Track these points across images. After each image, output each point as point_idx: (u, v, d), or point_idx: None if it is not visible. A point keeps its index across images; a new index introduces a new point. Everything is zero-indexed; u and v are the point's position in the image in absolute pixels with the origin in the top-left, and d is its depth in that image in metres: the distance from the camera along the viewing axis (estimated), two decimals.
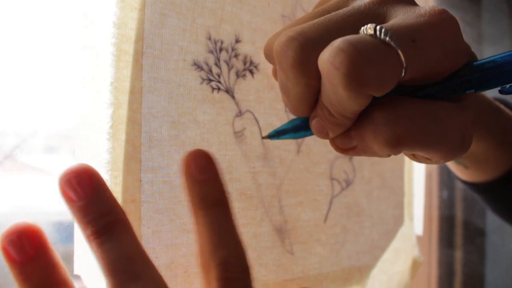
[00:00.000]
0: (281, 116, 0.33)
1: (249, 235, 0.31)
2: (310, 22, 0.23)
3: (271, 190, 0.32)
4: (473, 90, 0.23)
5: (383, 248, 0.41)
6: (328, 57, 0.20)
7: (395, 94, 0.23)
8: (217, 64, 0.29)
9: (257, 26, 0.32)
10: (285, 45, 0.22)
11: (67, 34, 0.29)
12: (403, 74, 0.21)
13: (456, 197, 0.74)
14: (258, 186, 0.32)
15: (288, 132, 0.27)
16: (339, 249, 0.37)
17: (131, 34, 0.26)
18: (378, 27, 0.20)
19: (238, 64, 0.31)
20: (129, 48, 0.26)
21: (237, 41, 0.31)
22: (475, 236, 0.75)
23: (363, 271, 0.39)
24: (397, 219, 0.43)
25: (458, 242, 0.74)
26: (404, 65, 0.21)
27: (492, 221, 0.74)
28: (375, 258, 0.40)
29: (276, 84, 0.33)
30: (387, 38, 0.20)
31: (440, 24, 0.22)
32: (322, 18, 0.23)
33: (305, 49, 0.22)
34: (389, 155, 0.23)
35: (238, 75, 0.31)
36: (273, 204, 0.33)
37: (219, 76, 0.29)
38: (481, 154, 0.37)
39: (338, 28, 0.22)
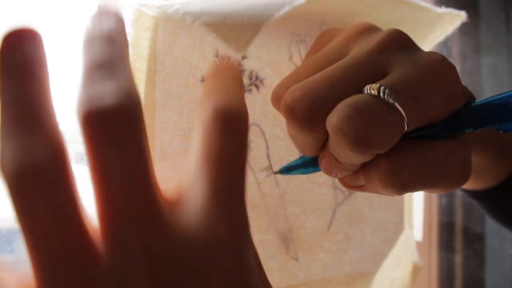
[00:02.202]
0: (285, 128, 0.34)
1: (255, 242, 0.32)
2: (315, 78, 0.24)
3: (275, 199, 0.34)
4: (471, 129, 0.24)
5: (384, 254, 0.42)
6: (336, 123, 0.22)
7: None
8: None
9: (263, 43, 0.33)
10: (293, 105, 0.23)
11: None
12: (405, 129, 0.22)
13: (455, 203, 0.75)
14: (263, 195, 0.33)
15: (298, 168, 0.29)
16: (341, 256, 0.38)
17: (144, 53, 0.27)
18: (381, 89, 0.22)
19: (244, 79, 0.32)
20: (143, 66, 0.27)
21: (243, 57, 0.32)
22: (474, 241, 0.76)
23: (365, 276, 0.40)
24: (398, 226, 0.45)
25: (458, 247, 0.75)
26: (407, 122, 0.22)
27: (491, 226, 0.75)
28: (377, 264, 0.41)
29: None
30: (391, 100, 0.22)
31: (440, 75, 0.23)
32: (325, 73, 0.24)
33: (312, 109, 0.23)
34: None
35: (244, 89, 0.32)
36: (278, 212, 0.34)
37: None
38: (479, 165, 0.38)
39: (342, 84, 0.23)
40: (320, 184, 0.37)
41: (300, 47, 0.36)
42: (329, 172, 0.26)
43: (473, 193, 0.42)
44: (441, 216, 0.74)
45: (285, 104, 0.24)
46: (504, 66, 0.72)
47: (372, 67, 0.24)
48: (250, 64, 0.32)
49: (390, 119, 0.22)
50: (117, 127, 0.15)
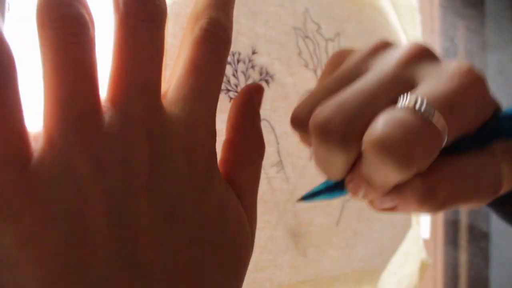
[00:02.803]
0: None
1: (265, 238, 0.32)
2: (344, 96, 0.23)
3: (285, 195, 0.34)
4: (504, 138, 0.24)
5: (392, 251, 0.42)
6: (376, 143, 0.21)
7: None
8: (235, 75, 0.31)
9: (272, 38, 0.33)
10: (325, 124, 0.22)
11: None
12: (444, 142, 0.22)
13: None
14: (273, 191, 0.33)
15: (322, 194, 0.27)
16: (350, 252, 0.38)
17: None
18: (419, 101, 0.21)
19: (254, 75, 0.32)
20: None
21: (253, 52, 0.32)
22: (480, 239, 0.76)
23: (373, 273, 0.40)
24: (405, 223, 0.44)
25: (463, 245, 0.75)
26: (446, 135, 0.21)
27: (497, 224, 0.75)
28: (385, 261, 0.41)
29: (290, 93, 0.34)
30: (430, 113, 0.21)
31: (472, 86, 0.22)
32: (354, 89, 0.23)
33: (347, 126, 0.22)
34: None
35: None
36: (288, 208, 0.34)
37: (236, 86, 0.31)
38: None
39: (373, 99, 0.23)
40: None
41: (307, 43, 0.36)
42: (358, 195, 0.25)
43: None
44: (447, 214, 0.74)
45: (315, 124, 0.23)
46: (511, 63, 0.72)
47: (400, 80, 0.23)
48: (260, 60, 0.32)
49: (431, 134, 0.21)
50: (149, 19, 0.20)
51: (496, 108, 0.24)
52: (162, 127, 0.20)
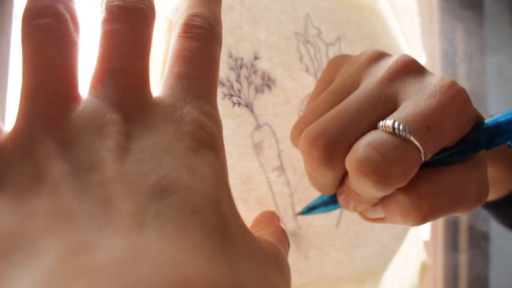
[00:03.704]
0: None
1: None
2: (329, 116, 0.25)
3: (285, 199, 0.34)
4: (483, 149, 0.25)
5: (393, 252, 0.42)
6: (356, 164, 0.22)
7: None
8: (237, 80, 0.31)
9: (273, 44, 0.34)
10: (310, 145, 0.24)
11: None
12: (423, 160, 0.23)
13: None
14: (273, 195, 0.33)
15: (319, 207, 0.29)
16: (352, 253, 0.38)
17: (160, 55, 0.28)
18: (396, 125, 0.23)
19: (257, 80, 0.32)
20: (158, 67, 0.27)
21: (256, 58, 0.32)
22: (480, 240, 0.76)
23: (376, 274, 0.40)
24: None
25: (463, 247, 0.75)
26: (423, 153, 0.23)
27: (496, 225, 0.75)
28: (387, 262, 0.42)
29: (291, 98, 0.35)
30: (406, 135, 0.22)
31: (451, 102, 0.23)
32: (339, 109, 0.25)
33: (329, 148, 0.24)
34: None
35: (257, 90, 0.32)
36: (287, 211, 0.34)
37: (239, 91, 0.31)
38: (490, 177, 0.38)
39: (356, 119, 0.24)
40: None
41: (308, 48, 0.37)
42: (348, 207, 0.27)
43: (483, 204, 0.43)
44: (447, 216, 0.74)
45: (302, 144, 0.25)
46: (510, 66, 0.73)
47: (383, 99, 0.25)
48: (262, 65, 0.33)
49: (408, 153, 0.22)
50: (132, 15, 0.20)
51: (478, 119, 0.25)
52: (143, 110, 0.19)
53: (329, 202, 0.29)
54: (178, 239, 0.16)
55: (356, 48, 0.41)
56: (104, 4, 0.20)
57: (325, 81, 0.31)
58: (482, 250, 0.76)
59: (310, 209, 0.30)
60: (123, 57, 0.20)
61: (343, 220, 0.38)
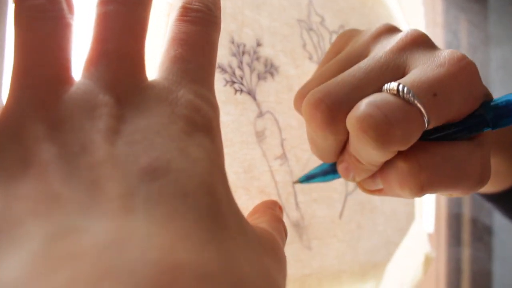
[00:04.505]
0: (298, 116, 0.34)
1: None
2: (335, 80, 0.24)
3: (287, 188, 0.34)
4: (489, 129, 0.24)
5: (396, 244, 0.42)
6: (356, 121, 0.22)
7: None
8: (240, 67, 0.31)
9: (276, 30, 0.33)
10: (314, 107, 0.24)
11: None
12: (426, 127, 0.22)
13: (464, 196, 0.75)
14: (276, 183, 0.33)
15: (317, 176, 0.29)
16: (355, 245, 0.38)
17: (161, 40, 0.27)
18: (401, 87, 0.22)
19: (259, 67, 0.32)
20: (159, 52, 0.27)
21: (258, 44, 0.32)
22: (483, 234, 0.76)
23: (378, 266, 0.40)
24: (409, 216, 0.44)
25: (466, 240, 0.75)
26: (427, 119, 0.22)
27: (500, 219, 0.75)
28: (390, 254, 0.41)
29: (294, 86, 0.34)
30: (410, 98, 0.22)
31: (460, 73, 0.23)
32: (346, 74, 0.24)
33: (332, 110, 0.23)
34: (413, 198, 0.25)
35: (259, 77, 0.32)
36: (290, 201, 0.34)
37: (241, 78, 0.31)
38: (494, 168, 0.38)
39: (362, 85, 0.24)
40: None
41: (311, 35, 0.36)
42: (347, 176, 0.26)
43: (487, 196, 0.42)
44: (450, 209, 0.74)
45: (305, 106, 0.24)
46: None
47: (392, 67, 0.24)
48: (265, 51, 0.32)
49: (410, 116, 0.22)
50: None
51: (486, 97, 0.24)
52: (137, 92, 0.19)
53: (328, 171, 0.29)
54: (168, 223, 0.15)
55: None
56: None
57: (333, 53, 0.30)
58: (486, 244, 0.76)
59: (308, 178, 0.30)
60: (118, 39, 0.19)
61: (346, 211, 0.38)
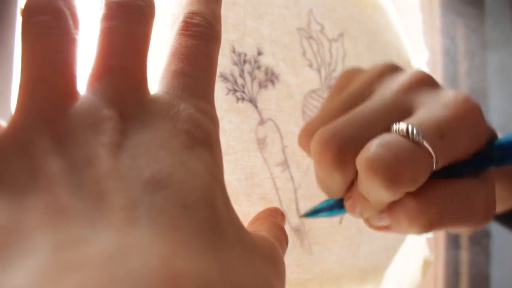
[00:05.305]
0: (299, 123, 0.35)
1: None
2: (343, 120, 0.25)
3: (289, 194, 0.34)
4: (494, 166, 0.25)
5: (395, 249, 0.42)
6: (367, 162, 0.22)
7: None
8: (241, 76, 0.31)
9: (277, 39, 0.34)
10: (323, 147, 0.24)
11: None
12: (434, 167, 0.23)
13: None
14: (277, 190, 0.33)
15: (323, 211, 0.29)
16: (355, 250, 0.38)
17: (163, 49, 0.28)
18: (410, 129, 0.22)
19: (260, 75, 0.32)
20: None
21: (259, 53, 0.32)
22: (481, 237, 0.76)
23: (378, 271, 0.41)
24: None
25: (465, 243, 0.75)
26: (435, 160, 0.23)
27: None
28: (389, 259, 0.42)
29: (294, 93, 0.35)
30: (420, 139, 0.22)
31: (466, 115, 0.23)
32: (354, 114, 0.25)
33: (342, 150, 0.24)
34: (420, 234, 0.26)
35: (260, 85, 0.32)
36: (291, 207, 0.34)
37: (243, 87, 0.31)
38: (499, 193, 0.38)
39: (370, 125, 0.24)
40: None
41: (311, 43, 0.37)
42: (354, 212, 0.27)
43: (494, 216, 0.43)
44: None
45: (315, 146, 0.25)
46: (511, 62, 0.73)
47: (399, 107, 0.25)
48: (265, 60, 0.33)
49: (420, 157, 0.22)
50: (131, 12, 0.20)
51: (492, 136, 0.25)
52: (140, 107, 0.19)
53: (335, 206, 0.29)
54: (169, 233, 0.16)
55: (359, 44, 0.41)
56: (103, 1, 0.21)
57: (337, 91, 0.31)
58: (484, 247, 0.76)
59: (314, 212, 0.30)
60: (121, 55, 0.20)
61: (346, 217, 0.38)
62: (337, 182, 0.25)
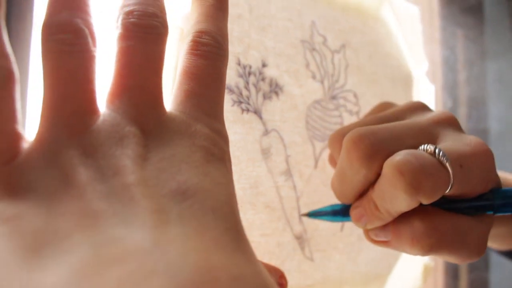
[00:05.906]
0: (303, 134, 0.36)
1: (273, 244, 0.33)
2: (378, 126, 0.28)
3: (291, 203, 0.35)
4: (491, 212, 0.27)
5: (396, 256, 0.43)
6: (397, 164, 0.25)
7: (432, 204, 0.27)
8: (246, 87, 0.32)
9: (281, 51, 0.35)
10: (359, 139, 0.27)
11: None
12: (448, 190, 0.25)
13: None
14: (280, 199, 0.34)
15: (326, 215, 0.31)
16: (356, 257, 0.39)
17: (172, 63, 0.28)
18: (437, 150, 0.26)
19: (265, 87, 0.33)
20: (170, 75, 0.28)
21: (264, 65, 0.33)
22: None
23: (379, 277, 0.41)
24: None
25: None
26: (451, 183, 0.25)
27: None
28: (391, 265, 0.42)
29: (298, 104, 0.36)
30: (444, 160, 0.25)
31: (482, 155, 0.27)
32: (388, 125, 0.28)
33: (374, 146, 0.26)
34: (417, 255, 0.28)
35: (265, 97, 0.33)
36: (294, 215, 0.35)
37: (248, 98, 0.32)
38: (497, 230, 0.39)
39: (401, 137, 0.27)
40: None
41: (314, 55, 0.37)
42: (359, 222, 0.29)
43: (502, 253, 0.44)
44: None
45: (349, 137, 0.27)
46: (510, 71, 0.73)
47: (427, 133, 0.28)
48: (270, 72, 0.34)
49: (441, 174, 0.25)
50: (146, 32, 0.21)
51: (497, 185, 0.28)
52: (159, 124, 0.20)
53: (339, 212, 0.30)
54: (201, 233, 0.17)
55: (360, 55, 0.42)
56: (120, 21, 0.21)
57: (371, 114, 0.35)
58: None
59: (316, 214, 0.31)
60: (139, 74, 0.21)
61: (347, 224, 0.39)
62: (358, 179, 0.27)
